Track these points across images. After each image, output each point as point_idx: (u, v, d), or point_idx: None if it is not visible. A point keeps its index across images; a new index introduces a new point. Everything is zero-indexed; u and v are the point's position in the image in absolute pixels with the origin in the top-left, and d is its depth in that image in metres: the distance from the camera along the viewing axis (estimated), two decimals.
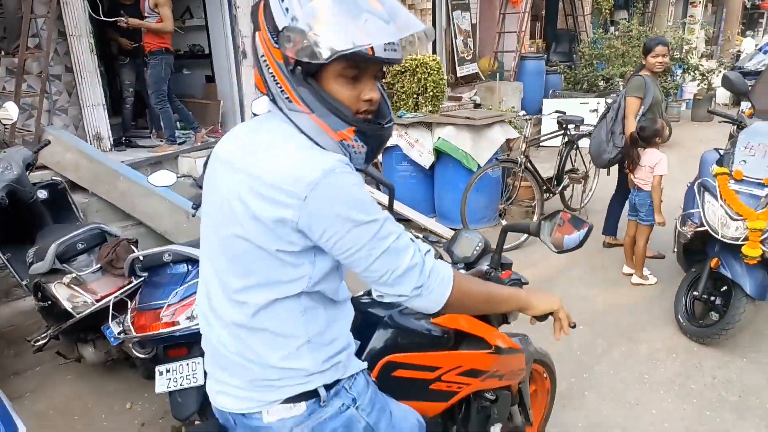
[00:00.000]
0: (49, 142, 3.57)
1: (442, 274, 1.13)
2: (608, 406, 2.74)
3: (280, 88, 1.06)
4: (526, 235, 4.63)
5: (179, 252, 2.34)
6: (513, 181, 4.83)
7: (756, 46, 15.72)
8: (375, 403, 1.30)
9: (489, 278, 1.64)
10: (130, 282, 2.61)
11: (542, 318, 1.44)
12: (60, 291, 2.51)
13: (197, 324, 2.24)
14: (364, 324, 1.49)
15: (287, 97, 1.06)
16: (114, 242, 2.71)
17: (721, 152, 3.37)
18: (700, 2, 17.00)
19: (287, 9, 1.01)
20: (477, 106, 6.99)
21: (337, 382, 1.24)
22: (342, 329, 1.27)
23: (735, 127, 3.48)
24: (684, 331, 3.31)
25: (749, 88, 3.35)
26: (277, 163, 1.04)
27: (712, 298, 3.22)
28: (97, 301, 2.53)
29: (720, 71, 10.29)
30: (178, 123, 5.83)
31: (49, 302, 2.62)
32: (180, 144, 5.54)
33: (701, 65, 10.66)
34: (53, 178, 3.54)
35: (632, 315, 3.59)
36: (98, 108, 5.32)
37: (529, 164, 4.64)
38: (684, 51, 11.22)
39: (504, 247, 1.74)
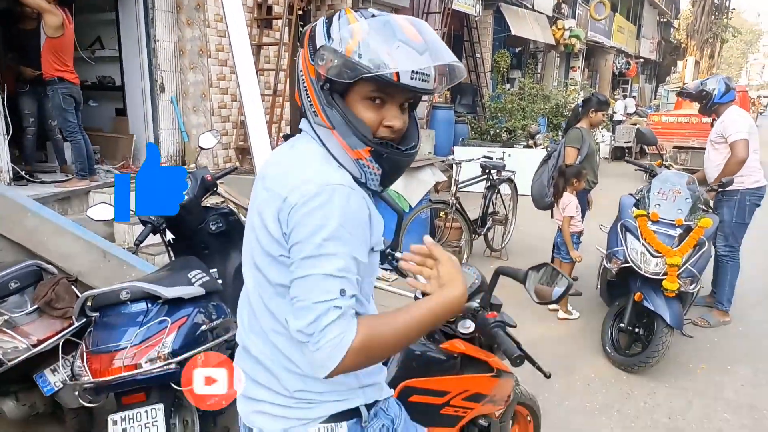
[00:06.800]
0: None
1: (338, 339, 0.97)
2: None
3: (310, 102, 1.11)
4: None
5: (139, 288, 2.17)
6: (444, 223, 5.02)
7: (624, 107, 17.77)
8: (408, 428, 1.31)
9: (476, 317, 1.62)
10: (71, 324, 2.38)
11: (518, 363, 1.39)
12: None
13: (159, 367, 2.10)
14: None
15: (314, 112, 1.11)
16: (52, 280, 2.46)
17: (636, 196, 3.76)
18: (579, 67, 19.02)
19: (329, 31, 1.07)
20: None
21: (375, 403, 1.23)
22: None
23: (647, 174, 3.92)
24: (612, 361, 3.56)
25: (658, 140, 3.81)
26: (288, 176, 1.08)
27: (636, 329, 3.52)
28: (34, 345, 2.26)
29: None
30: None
31: None
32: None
33: None
34: None
35: (563, 347, 3.82)
36: None
37: (459, 206, 4.86)
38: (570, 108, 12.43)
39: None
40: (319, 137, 1.12)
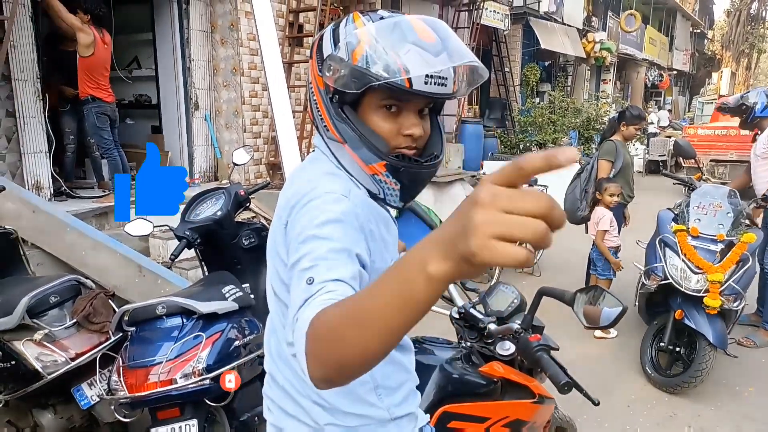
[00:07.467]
0: (4, 188, 3.29)
1: (301, 325, 0.75)
2: None
3: (320, 116, 1.05)
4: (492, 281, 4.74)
5: (175, 303, 2.19)
6: None
7: (658, 120, 17.42)
8: None
9: (518, 339, 1.56)
10: (108, 338, 2.41)
11: (566, 390, 1.31)
12: (29, 349, 2.26)
13: (194, 382, 2.10)
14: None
15: (325, 126, 1.05)
16: (90, 295, 2.50)
17: (675, 211, 3.65)
18: (610, 80, 18.77)
19: (335, 39, 1.01)
20: None
21: None
22: (407, 375, 1.22)
23: (686, 188, 3.82)
24: (653, 381, 3.44)
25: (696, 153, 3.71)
26: (288, 198, 1.02)
27: (677, 349, 3.40)
28: (72, 359, 2.30)
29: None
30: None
31: (12, 362, 2.34)
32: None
33: None
34: (5, 227, 3.24)
35: (601, 367, 3.71)
36: (40, 155, 5.03)
37: None
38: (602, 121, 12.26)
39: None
40: (332, 152, 1.06)
